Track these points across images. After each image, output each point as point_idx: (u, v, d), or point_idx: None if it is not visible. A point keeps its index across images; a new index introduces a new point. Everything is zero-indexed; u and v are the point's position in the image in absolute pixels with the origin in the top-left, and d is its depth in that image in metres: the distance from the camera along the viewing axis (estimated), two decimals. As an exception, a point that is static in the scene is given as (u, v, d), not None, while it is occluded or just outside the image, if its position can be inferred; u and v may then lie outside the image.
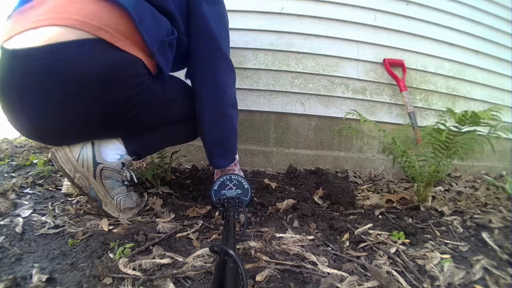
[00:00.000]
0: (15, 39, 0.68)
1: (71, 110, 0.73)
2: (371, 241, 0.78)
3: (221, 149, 1.04)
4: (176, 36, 0.84)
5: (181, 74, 1.03)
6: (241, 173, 1.15)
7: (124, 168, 0.87)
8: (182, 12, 0.87)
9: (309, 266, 0.64)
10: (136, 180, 0.92)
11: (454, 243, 0.81)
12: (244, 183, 0.99)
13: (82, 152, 0.80)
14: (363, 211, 1.01)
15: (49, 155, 1.18)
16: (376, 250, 0.74)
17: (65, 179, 1.00)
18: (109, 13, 0.70)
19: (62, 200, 0.95)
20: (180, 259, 0.64)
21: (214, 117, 0.96)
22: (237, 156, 1.11)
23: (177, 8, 0.85)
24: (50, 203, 0.92)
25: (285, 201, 0.96)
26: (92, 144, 0.82)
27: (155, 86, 0.82)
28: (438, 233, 0.86)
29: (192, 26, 0.90)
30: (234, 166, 1.09)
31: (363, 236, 0.80)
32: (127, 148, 0.88)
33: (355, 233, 0.82)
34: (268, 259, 0.66)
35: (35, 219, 0.81)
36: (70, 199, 0.97)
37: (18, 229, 0.74)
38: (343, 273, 0.61)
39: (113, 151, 0.85)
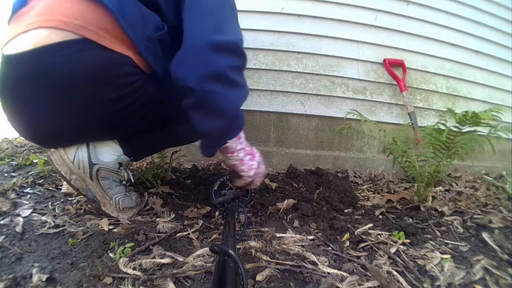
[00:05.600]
0: (10, 44, 0.69)
1: (60, 114, 0.72)
2: (371, 241, 0.78)
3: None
4: (166, 31, 0.79)
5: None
6: (254, 149, 0.91)
7: (121, 168, 0.86)
8: (176, 3, 0.81)
9: (309, 266, 0.64)
10: (132, 180, 0.91)
11: (454, 243, 0.81)
12: (244, 183, 0.99)
13: (77, 154, 0.80)
14: (363, 211, 1.01)
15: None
16: (376, 250, 0.74)
17: (64, 180, 0.99)
18: (93, 12, 0.69)
19: (62, 200, 0.95)
20: (180, 258, 0.64)
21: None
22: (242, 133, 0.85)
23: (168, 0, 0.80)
24: (50, 203, 0.92)
25: (285, 201, 0.96)
26: (87, 145, 0.81)
27: (150, 86, 0.78)
28: (438, 233, 0.86)
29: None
30: (237, 139, 0.83)
31: (363, 236, 0.80)
32: (123, 149, 0.86)
33: (355, 233, 0.82)
34: (269, 259, 0.66)
35: (35, 218, 0.81)
36: (70, 198, 0.97)
37: (18, 229, 0.74)
38: (343, 273, 0.61)
39: (109, 152, 0.84)
